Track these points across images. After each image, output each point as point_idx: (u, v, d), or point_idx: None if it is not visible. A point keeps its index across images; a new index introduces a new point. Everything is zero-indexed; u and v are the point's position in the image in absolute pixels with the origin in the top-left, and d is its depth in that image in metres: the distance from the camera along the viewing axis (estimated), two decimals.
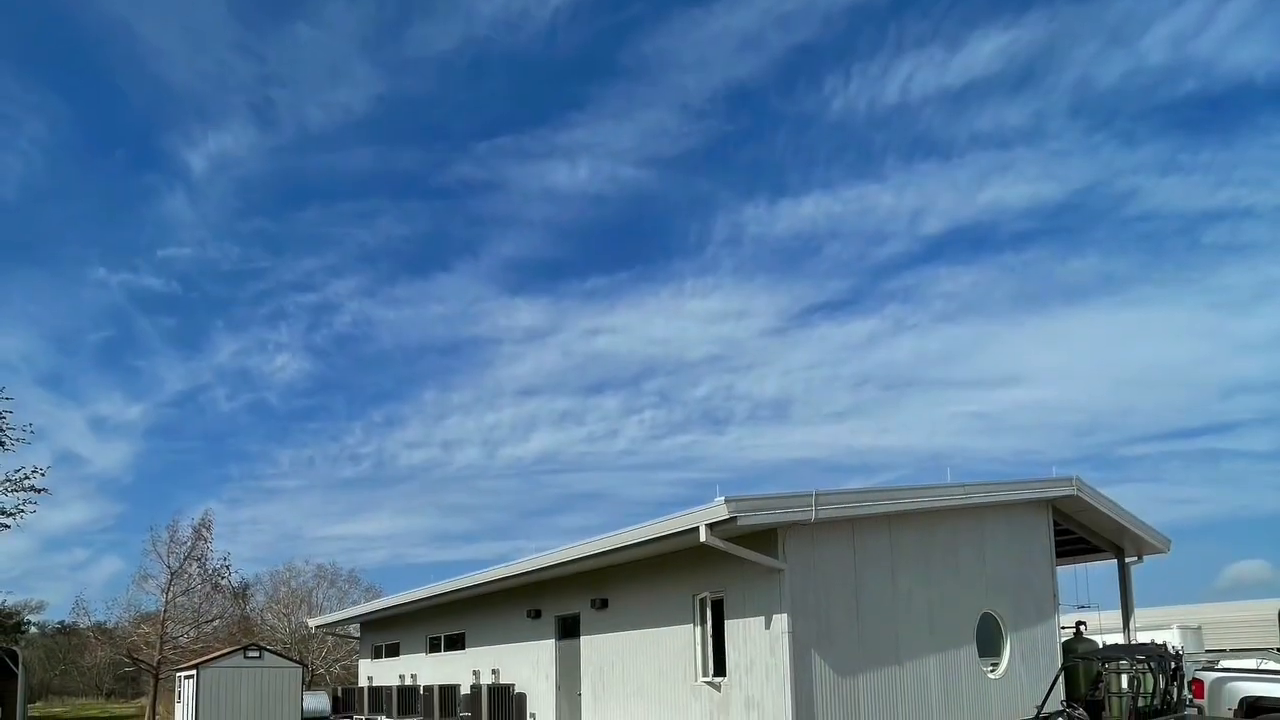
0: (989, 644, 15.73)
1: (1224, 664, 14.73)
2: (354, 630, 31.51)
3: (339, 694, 28.85)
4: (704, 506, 11.84)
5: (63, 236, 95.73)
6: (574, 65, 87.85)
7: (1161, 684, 10.30)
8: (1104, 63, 71.89)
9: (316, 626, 33.53)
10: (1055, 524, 17.96)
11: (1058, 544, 18.16)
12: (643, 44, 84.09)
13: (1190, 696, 13.69)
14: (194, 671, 21.26)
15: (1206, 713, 13.16)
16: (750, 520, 11.67)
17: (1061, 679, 13.22)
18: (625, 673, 15.45)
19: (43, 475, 15.52)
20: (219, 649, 25.15)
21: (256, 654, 22.41)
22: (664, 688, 14.46)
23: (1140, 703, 9.29)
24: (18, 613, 50.24)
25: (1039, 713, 9.86)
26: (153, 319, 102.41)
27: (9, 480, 15.15)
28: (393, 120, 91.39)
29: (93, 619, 32.70)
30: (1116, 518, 18.40)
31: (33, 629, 52.66)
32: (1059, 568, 18.23)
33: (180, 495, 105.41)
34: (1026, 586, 16.73)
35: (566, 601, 17.38)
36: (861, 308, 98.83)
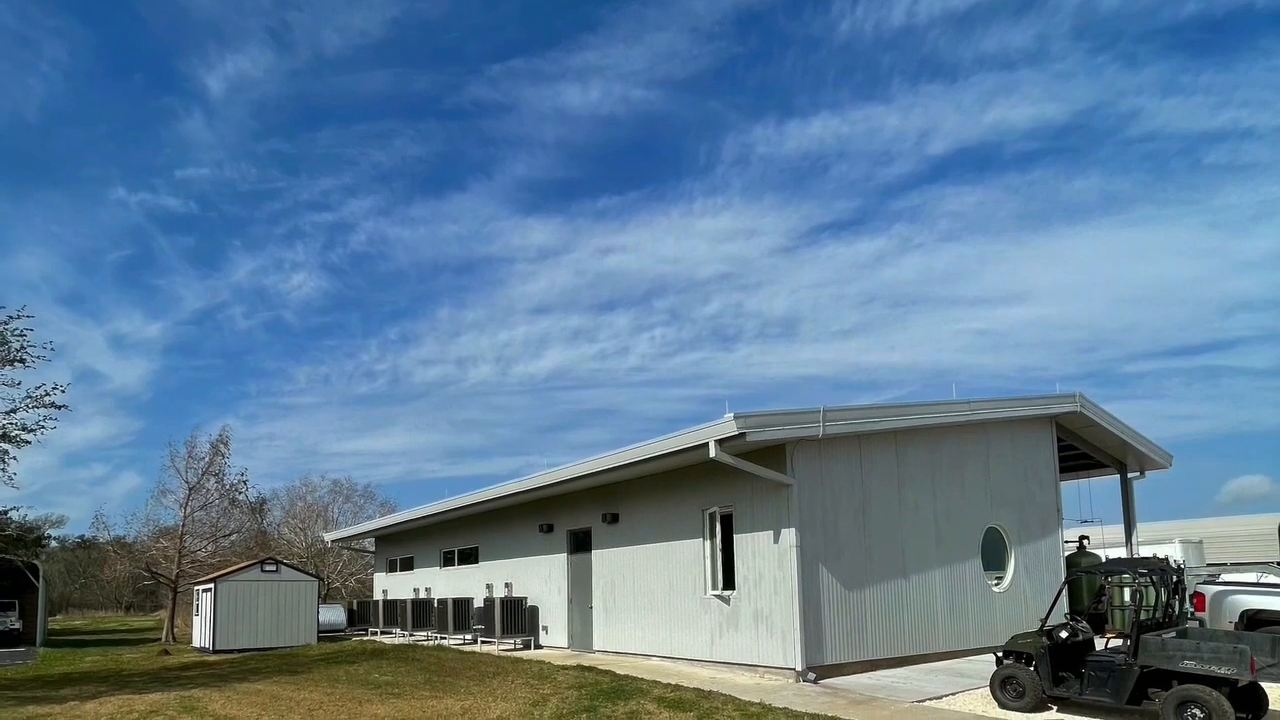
0: (994, 558, 15.91)
1: (1225, 578, 14.89)
2: (369, 545, 32.09)
3: (354, 607, 29.47)
4: (714, 423, 11.90)
5: (83, 158, 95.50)
6: None
7: (1163, 598, 10.43)
8: None
9: (332, 541, 34.15)
10: (1059, 440, 18.05)
11: (1061, 460, 18.29)
12: None
13: (1192, 610, 13.89)
14: (211, 585, 21.66)
15: (1208, 625, 13.37)
16: (759, 436, 11.73)
17: (1065, 592, 13.41)
18: (636, 586, 15.71)
19: (63, 392, 15.63)
20: (236, 563, 25.61)
21: (273, 568, 22.78)
22: (674, 601, 14.70)
23: (1142, 616, 9.41)
24: (38, 527, 51.21)
25: (1043, 625, 10.00)
26: (171, 238, 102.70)
27: (30, 397, 15.30)
28: (407, 43, 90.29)
29: (112, 533, 33.20)
30: (1119, 433, 18.49)
31: (53, 543, 53.72)
32: (1062, 483, 18.38)
33: (198, 411, 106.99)
34: (1031, 501, 16.87)
35: (578, 516, 17.61)
36: (868, 227, 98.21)
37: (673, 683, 11.32)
